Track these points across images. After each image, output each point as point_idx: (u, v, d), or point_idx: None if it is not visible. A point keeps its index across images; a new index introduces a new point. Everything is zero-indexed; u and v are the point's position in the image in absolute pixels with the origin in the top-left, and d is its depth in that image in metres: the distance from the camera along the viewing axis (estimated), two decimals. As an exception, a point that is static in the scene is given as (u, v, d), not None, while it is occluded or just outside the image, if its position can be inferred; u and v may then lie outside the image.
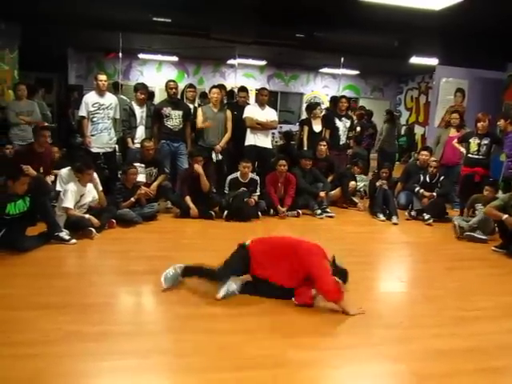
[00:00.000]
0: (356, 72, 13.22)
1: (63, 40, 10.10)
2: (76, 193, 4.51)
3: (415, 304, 3.33)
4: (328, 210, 6.05)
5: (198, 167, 5.39)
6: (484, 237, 5.09)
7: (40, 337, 2.50)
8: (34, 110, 6.26)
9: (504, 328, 3.00)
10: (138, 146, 5.78)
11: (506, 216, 4.61)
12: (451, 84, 8.25)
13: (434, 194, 6.08)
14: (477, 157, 5.82)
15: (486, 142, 5.80)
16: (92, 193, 4.71)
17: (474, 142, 5.86)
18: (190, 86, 6.78)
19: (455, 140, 6.37)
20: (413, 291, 3.71)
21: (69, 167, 4.87)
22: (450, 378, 2.35)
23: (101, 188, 4.84)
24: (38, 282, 3.30)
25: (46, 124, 5.93)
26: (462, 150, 6.13)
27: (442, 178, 6.21)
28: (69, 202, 4.42)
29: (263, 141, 6.22)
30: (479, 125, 5.85)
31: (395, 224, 5.79)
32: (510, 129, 5.88)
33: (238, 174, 5.72)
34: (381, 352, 2.59)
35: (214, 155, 6.04)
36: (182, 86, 7.19)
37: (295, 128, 9.59)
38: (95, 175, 4.76)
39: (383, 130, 8.81)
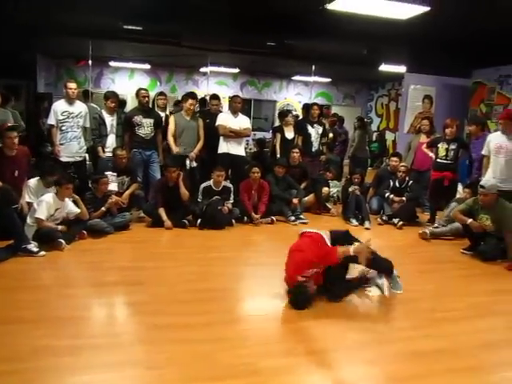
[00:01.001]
0: (328, 79, 13.42)
1: (32, 46, 9.87)
2: (52, 206, 4.40)
3: (389, 307, 3.36)
4: (302, 216, 6.08)
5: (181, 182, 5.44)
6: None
7: (11, 353, 2.42)
8: (7, 119, 5.99)
9: (475, 328, 3.07)
10: (109, 154, 5.70)
11: (470, 220, 4.76)
12: (419, 91, 8.48)
13: (404, 198, 6.20)
14: (445, 161, 5.97)
15: (453, 146, 5.96)
16: (68, 208, 4.58)
17: (442, 147, 6.01)
18: (161, 93, 6.75)
19: (424, 145, 6.53)
20: (386, 294, 3.75)
21: (38, 177, 4.75)
22: (423, 379, 2.39)
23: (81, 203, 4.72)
24: (6, 295, 3.19)
25: (9, 124, 5.62)
26: (431, 154, 6.28)
27: (410, 182, 6.35)
28: (42, 213, 4.31)
29: (236, 148, 6.21)
30: (447, 130, 6.00)
31: (368, 229, 5.87)
32: (480, 134, 6.05)
33: (211, 182, 5.70)
34: (355, 356, 2.62)
35: (188, 162, 6.00)
36: (154, 94, 7.14)
37: (269, 135, 9.64)
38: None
39: (355, 136, 8.95)
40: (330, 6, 5.05)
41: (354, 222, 6.05)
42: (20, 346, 2.48)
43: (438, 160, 6.04)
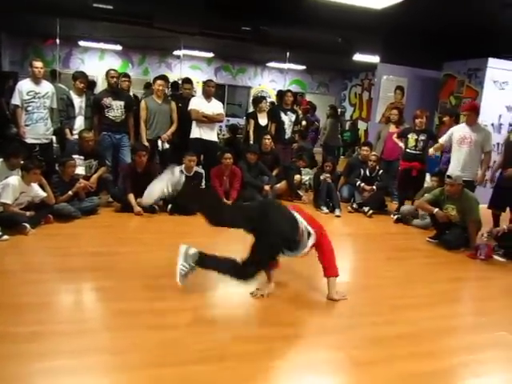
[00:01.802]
0: (302, 67, 13.41)
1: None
2: (17, 189, 4.25)
3: (355, 293, 3.43)
4: (273, 203, 6.10)
5: None
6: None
7: (-34, 340, 2.34)
8: None
9: (438, 314, 3.17)
10: (77, 137, 5.54)
11: (436, 210, 4.90)
12: (391, 81, 8.57)
13: (374, 187, 6.30)
14: (414, 152, 6.08)
15: (423, 137, 6.07)
16: (33, 192, 4.44)
17: (411, 138, 6.12)
18: (125, 75, 6.50)
19: (395, 135, 6.63)
20: (354, 281, 3.83)
21: (1, 159, 4.57)
22: (385, 363, 2.46)
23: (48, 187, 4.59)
24: (-36, 281, 3.09)
25: None
26: (401, 144, 6.39)
27: (381, 171, 6.45)
28: (8, 197, 4.16)
29: (209, 134, 6.16)
30: (417, 121, 6.11)
31: (338, 216, 5.96)
32: (453, 125, 6.16)
33: (182, 167, 5.62)
34: (321, 341, 2.66)
35: (160, 144, 5.90)
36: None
37: (243, 121, 9.59)
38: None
39: (327, 124, 9.00)
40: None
41: (325, 209, 6.12)
42: (-23, 332, 2.41)
43: (408, 150, 6.15)
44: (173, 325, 2.68)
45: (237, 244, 4.50)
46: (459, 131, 5.39)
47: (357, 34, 7.99)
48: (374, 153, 6.65)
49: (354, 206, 6.32)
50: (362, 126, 13.66)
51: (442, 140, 5.57)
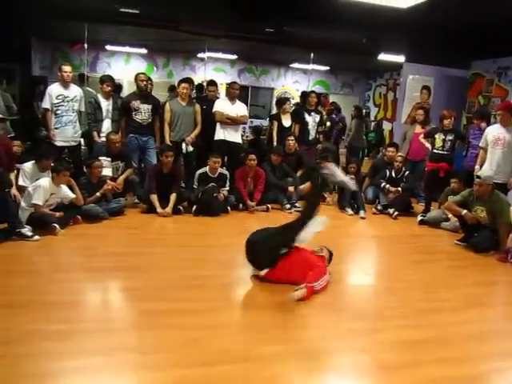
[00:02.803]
0: (326, 68, 13.32)
1: (26, 29, 9.73)
2: (47, 191, 4.37)
3: (381, 296, 3.39)
4: (297, 204, 6.09)
5: None
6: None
7: (1, 337, 2.41)
8: None
9: (464, 318, 3.10)
10: (104, 139, 5.65)
11: (465, 211, 4.78)
12: (418, 81, 8.43)
13: (400, 188, 6.21)
14: (442, 152, 5.96)
15: (450, 137, 5.94)
16: (62, 193, 4.55)
17: (439, 138, 5.99)
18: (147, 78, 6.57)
19: (421, 135, 6.51)
20: (379, 284, 3.78)
21: (33, 161, 4.71)
22: (411, 368, 2.41)
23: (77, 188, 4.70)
24: (-2, 279, 3.19)
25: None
26: (428, 145, 6.27)
27: (407, 173, 6.36)
28: (39, 198, 4.28)
29: (233, 135, 6.19)
30: (445, 121, 5.97)
31: (363, 218, 5.89)
32: (483, 127, 5.98)
33: (207, 168, 5.68)
34: (346, 344, 2.64)
35: (184, 146, 5.96)
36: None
37: (266, 123, 9.59)
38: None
39: (352, 125, 8.92)
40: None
41: (350, 211, 6.06)
42: (10, 330, 2.48)
43: (435, 151, 6.04)
44: (198, 325, 2.70)
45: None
46: (493, 132, 5.22)
47: (382, 34, 7.88)
48: (399, 154, 6.56)
49: (379, 207, 6.24)
50: (386, 126, 13.47)
51: (481, 144, 5.39)
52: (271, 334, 2.68)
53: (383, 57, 9.13)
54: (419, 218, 5.81)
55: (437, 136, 6.02)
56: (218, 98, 6.73)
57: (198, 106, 6.14)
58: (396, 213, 5.97)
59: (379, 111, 14.26)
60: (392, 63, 9.59)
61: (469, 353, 2.63)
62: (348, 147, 8.87)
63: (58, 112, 5.51)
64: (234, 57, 12.36)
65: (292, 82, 14.18)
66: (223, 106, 6.14)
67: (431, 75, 8.40)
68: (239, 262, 4.07)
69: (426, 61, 8.23)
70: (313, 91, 7.55)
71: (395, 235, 5.36)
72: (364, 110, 11.53)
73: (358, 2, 5.31)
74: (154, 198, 5.28)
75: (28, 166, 4.69)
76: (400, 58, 8.79)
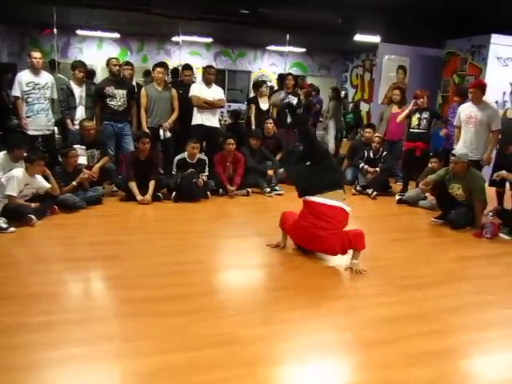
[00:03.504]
0: (302, 49, 13.24)
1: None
2: (21, 181, 4.26)
3: (360, 275, 3.44)
4: (277, 187, 6.10)
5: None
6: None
7: (-21, 331, 2.37)
8: None
9: (445, 292, 3.18)
10: (78, 127, 5.52)
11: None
12: (393, 61, 8.47)
13: (378, 169, 6.27)
14: (417, 131, 6.03)
15: (425, 115, 6.00)
16: (38, 183, 4.45)
17: (414, 117, 6.05)
18: (127, 63, 6.42)
19: (399, 117, 6.50)
20: (359, 263, 3.83)
21: (4, 152, 4.58)
22: (394, 343, 2.47)
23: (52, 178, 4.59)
24: (-27, 273, 3.11)
25: None
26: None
27: (384, 153, 6.42)
28: (13, 189, 4.17)
29: (211, 120, 6.12)
30: (418, 101, 6.03)
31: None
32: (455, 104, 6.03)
33: (185, 154, 5.61)
34: (329, 322, 2.68)
35: (161, 132, 5.87)
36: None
37: (244, 107, 9.51)
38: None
39: (329, 107, 8.92)
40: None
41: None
42: (-12, 323, 2.44)
43: (411, 130, 6.10)
44: (180, 311, 2.70)
45: (243, 229, 4.55)
46: (465, 110, 5.31)
47: (357, 14, 7.86)
48: (377, 134, 6.60)
49: (358, 188, 6.30)
50: (364, 107, 13.54)
51: (456, 122, 5.47)
52: (254, 317, 2.70)
53: (359, 37, 9.10)
54: (397, 197, 5.91)
55: (412, 115, 6.08)
56: (194, 82, 6.63)
57: (174, 91, 6.04)
58: (375, 193, 6.05)
59: (356, 92, 14.30)
60: (368, 44, 9.58)
61: (447, 326, 2.70)
62: (326, 129, 8.89)
63: (29, 100, 5.34)
64: (210, 40, 12.18)
65: (269, 65, 14.08)
66: (200, 90, 6.05)
67: (407, 55, 8.45)
68: (221, 246, 4.08)
69: (402, 41, 8.26)
70: (290, 73, 7.50)
71: (375, 215, 5.43)
72: (343, 92, 11.56)
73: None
74: (133, 185, 5.21)
75: (0, 156, 4.56)
76: (376, 39, 8.79)
